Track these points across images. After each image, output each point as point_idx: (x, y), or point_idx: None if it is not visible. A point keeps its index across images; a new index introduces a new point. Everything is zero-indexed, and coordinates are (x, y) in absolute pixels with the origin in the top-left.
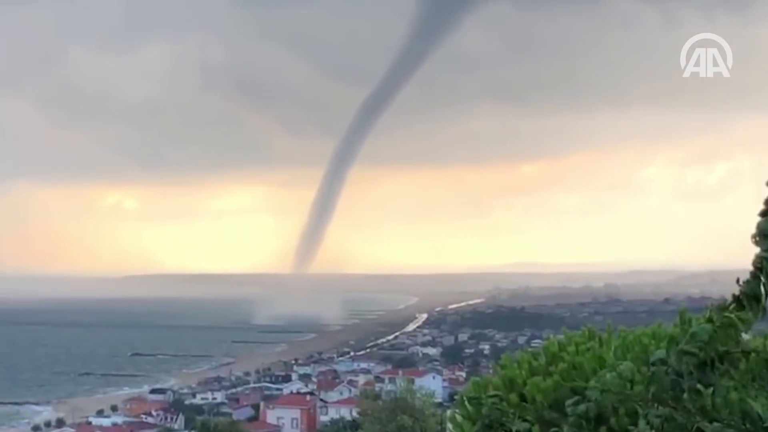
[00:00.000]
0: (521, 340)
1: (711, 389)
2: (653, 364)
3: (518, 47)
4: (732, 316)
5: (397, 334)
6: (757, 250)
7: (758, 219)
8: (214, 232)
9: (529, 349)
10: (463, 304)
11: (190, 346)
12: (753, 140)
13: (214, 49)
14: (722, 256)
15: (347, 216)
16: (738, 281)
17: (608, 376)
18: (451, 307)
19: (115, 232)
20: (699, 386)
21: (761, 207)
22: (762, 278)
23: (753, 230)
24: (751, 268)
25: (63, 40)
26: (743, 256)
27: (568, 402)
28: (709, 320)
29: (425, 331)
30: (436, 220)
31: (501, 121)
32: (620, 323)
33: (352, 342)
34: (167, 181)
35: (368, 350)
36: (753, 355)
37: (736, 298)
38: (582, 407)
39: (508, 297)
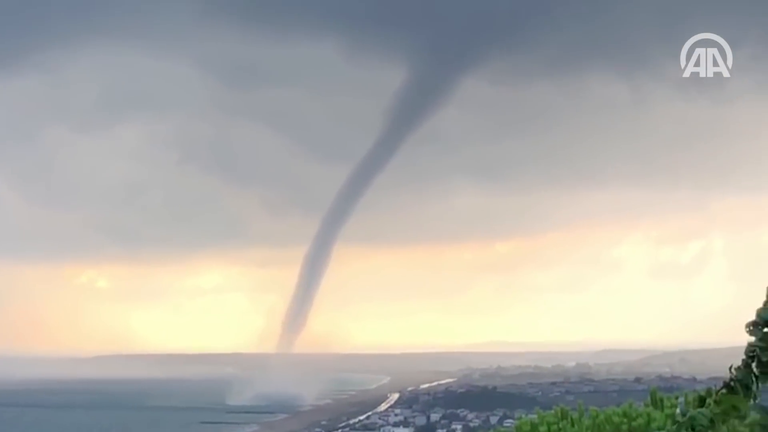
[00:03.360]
0: (493, 419)
1: None
2: None
3: (496, 125)
4: (727, 403)
5: (369, 413)
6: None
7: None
8: (188, 312)
9: (502, 429)
10: (435, 383)
11: (159, 427)
12: (727, 220)
13: (193, 127)
14: (693, 335)
15: (327, 295)
16: (730, 369)
17: None
18: (423, 386)
19: (87, 310)
20: None
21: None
22: (753, 367)
23: (723, 309)
24: (720, 347)
25: (41, 119)
26: (714, 336)
27: None
28: (701, 404)
29: (397, 410)
30: (410, 298)
31: (478, 199)
32: (592, 403)
33: (323, 422)
34: (142, 259)
35: (340, 430)
36: None
37: (727, 385)
38: None
39: (480, 376)
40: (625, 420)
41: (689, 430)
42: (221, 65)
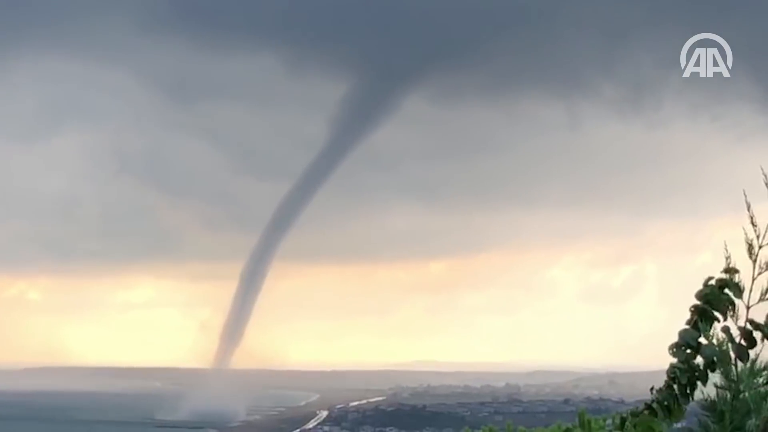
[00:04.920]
0: None
1: None
2: None
3: (434, 144)
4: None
5: (297, 430)
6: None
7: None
8: (120, 325)
9: None
10: (364, 401)
11: None
12: (659, 245)
13: (131, 139)
14: (621, 358)
15: (262, 312)
16: (652, 390)
17: None
18: (352, 404)
19: (17, 322)
20: None
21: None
22: (675, 388)
23: (652, 333)
24: (649, 370)
25: None
26: (643, 359)
27: None
28: (621, 426)
29: (326, 428)
30: (343, 316)
31: (413, 219)
32: (520, 423)
33: None
34: (75, 272)
35: None
36: None
37: (649, 406)
38: None
39: (410, 395)
40: None
41: None
42: (160, 77)
